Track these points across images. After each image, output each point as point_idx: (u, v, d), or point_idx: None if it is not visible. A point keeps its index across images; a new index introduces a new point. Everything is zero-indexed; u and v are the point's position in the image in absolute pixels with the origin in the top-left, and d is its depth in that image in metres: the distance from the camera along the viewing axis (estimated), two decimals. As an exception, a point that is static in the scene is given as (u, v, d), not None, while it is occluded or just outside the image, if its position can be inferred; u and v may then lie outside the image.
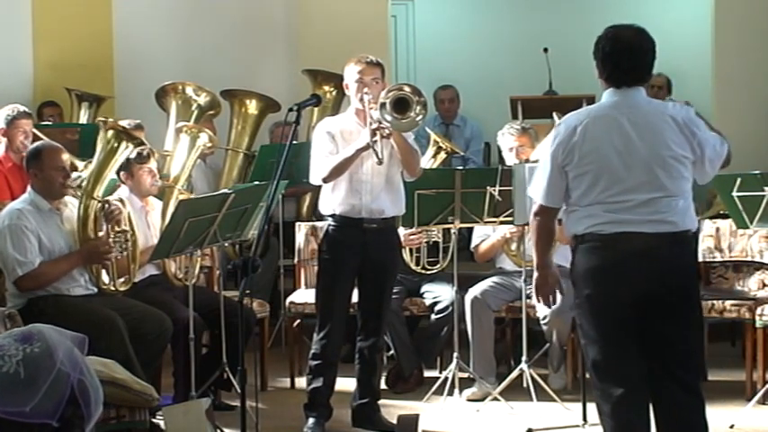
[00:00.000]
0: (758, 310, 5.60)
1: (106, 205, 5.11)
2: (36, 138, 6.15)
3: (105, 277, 5.17)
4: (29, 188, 5.16)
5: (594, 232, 3.75)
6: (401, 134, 4.94)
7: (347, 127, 5.08)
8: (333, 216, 5.08)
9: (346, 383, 5.37)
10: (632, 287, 3.73)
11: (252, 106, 7.25)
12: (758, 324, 5.57)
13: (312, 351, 5.15)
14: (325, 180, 5.00)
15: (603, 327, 3.79)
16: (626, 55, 3.80)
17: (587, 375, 5.31)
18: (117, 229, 5.14)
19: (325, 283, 5.16)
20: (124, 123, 6.21)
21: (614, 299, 3.75)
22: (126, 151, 5.15)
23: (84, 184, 5.15)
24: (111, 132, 5.16)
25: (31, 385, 1.87)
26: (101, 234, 5.11)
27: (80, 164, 5.47)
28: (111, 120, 5.48)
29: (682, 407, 3.80)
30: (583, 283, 3.80)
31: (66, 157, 5.15)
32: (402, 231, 5.87)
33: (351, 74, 5.04)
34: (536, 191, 3.93)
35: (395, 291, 5.87)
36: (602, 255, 3.75)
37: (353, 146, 4.94)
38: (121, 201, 5.20)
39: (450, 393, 5.66)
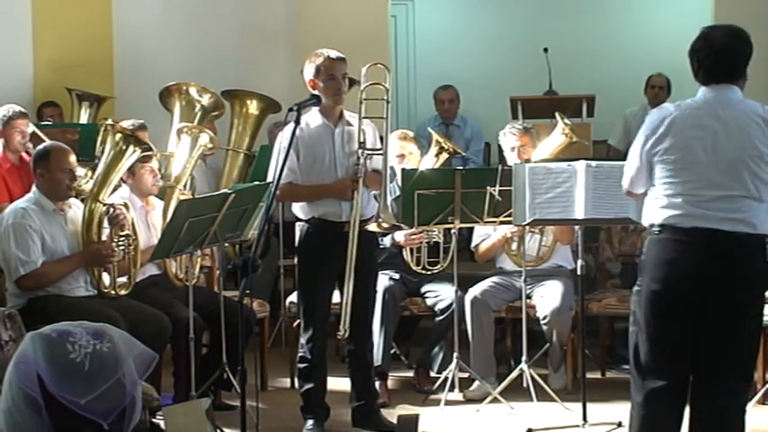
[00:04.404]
0: (758, 310, 5.59)
1: (111, 209, 5.11)
2: (38, 138, 6.15)
3: (106, 280, 5.18)
4: (33, 188, 5.16)
5: (672, 224, 3.75)
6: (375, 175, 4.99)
7: (314, 128, 5.03)
8: (311, 219, 5.06)
9: (345, 383, 5.37)
10: (698, 286, 3.72)
11: (253, 106, 7.24)
12: (758, 324, 5.57)
13: (299, 354, 5.16)
14: (280, 200, 5.00)
15: (660, 321, 3.79)
16: (712, 53, 3.83)
17: (587, 375, 5.35)
18: (120, 233, 5.14)
19: (307, 286, 5.15)
20: (127, 124, 6.22)
21: (677, 295, 3.75)
22: (133, 156, 5.14)
23: (90, 186, 5.16)
24: (118, 136, 5.17)
25: (91, 381, 1.89)
26: (104, 238, 5.11)
27: (81, 170, 5.46)
28: (118, 123, 5.48)
29: (724, 412, 3.80)
30: (651, 273, 3.80)
31: (73, 158, 5.15)
32: (402, 231, 5.88)
33: (317, 70, 4.95)
34: (624, 177, 3.97)
35: (394, 287, 5.90)
36: (676, 248, 3.75)
37: (327, 187, 4.98)
38: (126, 205, 5.20)
39: (451, 393, 5.66)
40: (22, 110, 6.31)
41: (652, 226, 3.84)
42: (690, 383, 3.84)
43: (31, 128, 6.34)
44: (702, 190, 3.73)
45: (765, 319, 5.53)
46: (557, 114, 6.14)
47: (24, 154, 6.21)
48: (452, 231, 5.76)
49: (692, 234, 3.72)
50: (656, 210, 3.82)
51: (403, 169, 5.72)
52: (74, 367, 1.87)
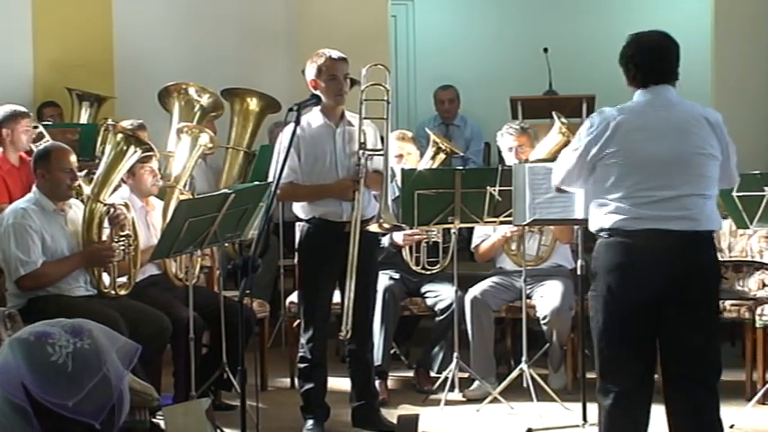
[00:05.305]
0: (758, 310, 5.60)
1: (111, 209, 5.11)
2: (43, 137, 6.16)
3: (106, 280, 5.18)
4: (34, 188, 5.16)
5: (621, 227, 3.78)
6: (375, 174, 5.00)
7: (315, 128, 5.03)
8: (312, 219, 5.07)
9: (345, 383, 5.37)
10: (653, 286, 3.75)
11: (252, 104, 7.26)
12: (758, 324, 5.58)
13: (300, 354, 5.16)
14: (280, 199, 5.01)
15: (616, 323, 3.81)
16: (647, 54, 3.89)
17: (587, 375, 5.35)
18: (120, 233, 5.14)
19: (308, 286, 5.16)
20: (126, 123, 6.23)
21: (633, 297, 3.77)
22: (134, 156, 5.14)
23: (90, 186, 5.17)
24: (119, 136, 5.17)
25: (76, 381, 1.85)
26: (104, 238, 5.11)
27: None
28: (119, 123, 5.47)
29: (694, 405, 3.82)
30: (604, 277, 3.83)
31: (73, 158, 5.15)
32: (401, 231, 5.87)
33: (319, 70, 4.96)
34: (556, 174, 4.04)
35: (394, 287, 5.90)
36: (625, 251, 3.77)
37: (328, 187, 4.99)
38: (126, 205, 5.20)
39: (451, 393, 5.66)
40: (24, 109, 6.33)
41: (601, 230, 3.86)
42: (653, 385, 3.86)
43: (40, 128, 6.34)
44: (649, 191, 3.77)
45: (765, 319, 5.58)
46: (553, 114, 6.13)
47: (24, 154, 6.21)
48: (452, 231, 5.76)
49: (640, 236, 3.75)
50: (603, 214, 3.85)
51: (402, 169, 5.72)
52: (57, 369, 1.84)
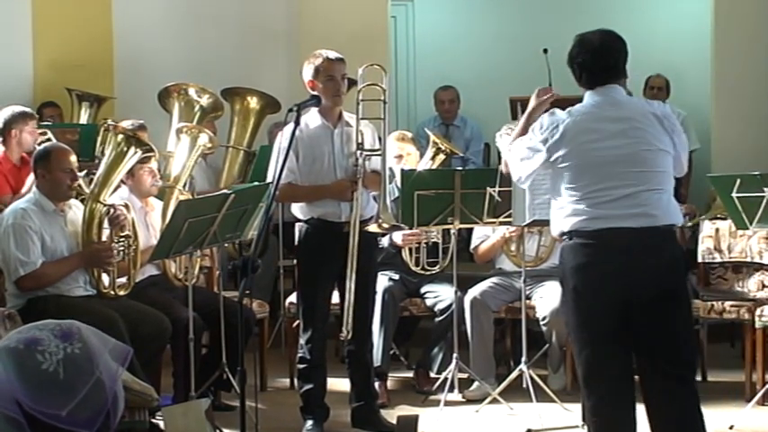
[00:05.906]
0: (757, 311, 5.61)
1: (111, 210, 5.11)
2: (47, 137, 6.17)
3: (106, 280, 5.18)
4: (34, 188, 5.17)
5: (580, 229, 3.80)
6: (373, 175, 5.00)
7: (313, 129, 5.04)
8: (311, 220, 5.07)
9: (345, 383, 5.37)
10: (617, 284, 3.76)
11: (253, 102, 7.27)
12: (757, 325, 5.58)
13: (299, 355, 5.16)
14: (279, 200, 5.01)
15: (589, 324, 3.83)
16: (592, 56, 3.91)
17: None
18: (120, 233, 5.14)
19: (307, 286, 5.16)
20: (126, 124, 6.23)
21: (599, 296, 3.78)
22: (134, 157, 5.14)
23: (90, 187, 5.17)
24: (120, 137, 5.17)
25: (69, 389, 1.79)
26: (104, 238, 5.11)
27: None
28: (119, 123, 5.47)
29: (673, 400, 3.81)
30: (570, 280, 3.85)
31: (74, 159, 5.15)
32: (400, 231, 5.88)
33: (316, 71, 4.97)
34: (522, 172, 3.98)
35: (394, 287, 5.90)
36: (587, 252, 3.79)
37: (326, 188, 4.99)
38: (126, 206, 5.20)
39: (450, 394, 5.66)
40: (32, 111, 6.35)
41: (562, 234, 3.88)
42: (633, 383, 3.86)
43: (49, 134, 6.34)
44: (603, 191, 3.78)
45: (764, 320, 5.58)
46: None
47: (25, 154, 6.21)
48: (452, 232, 5.76)
49: (598, 236, 3.76)
50: (562, 218, 3.87)
51: (402, 170, 5.72)
52: (48, 378, 1.78)
